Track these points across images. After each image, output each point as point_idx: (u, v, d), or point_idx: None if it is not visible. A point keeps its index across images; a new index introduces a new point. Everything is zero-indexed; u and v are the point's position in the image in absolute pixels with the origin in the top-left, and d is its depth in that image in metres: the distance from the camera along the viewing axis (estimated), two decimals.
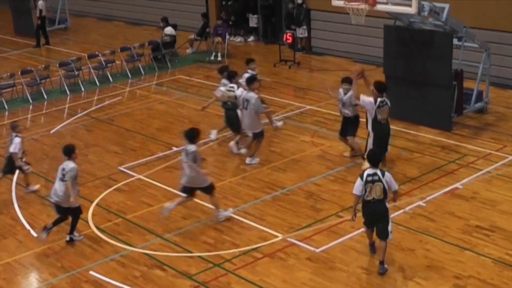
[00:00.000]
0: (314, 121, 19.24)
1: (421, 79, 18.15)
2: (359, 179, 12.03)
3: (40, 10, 30.63)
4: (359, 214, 12.28)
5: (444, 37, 17.80)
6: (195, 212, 14.80)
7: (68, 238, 13.95)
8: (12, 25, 34.36)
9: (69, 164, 13.79)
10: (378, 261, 12.22)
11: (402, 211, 13.78)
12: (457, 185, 15.22)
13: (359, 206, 12.21)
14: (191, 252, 13.23)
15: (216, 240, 13.60)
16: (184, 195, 14.35)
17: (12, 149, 15.84)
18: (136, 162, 17.52)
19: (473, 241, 13.00)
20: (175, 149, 17.92)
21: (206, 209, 14.87)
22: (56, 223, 13.93)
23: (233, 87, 17.58)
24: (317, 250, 13.00)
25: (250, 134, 17.23)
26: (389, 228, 12.12)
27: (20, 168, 16.22)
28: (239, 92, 17.33)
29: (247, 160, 16.92)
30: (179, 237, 13.82)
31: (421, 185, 15.29)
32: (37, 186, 16.45)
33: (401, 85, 17.49)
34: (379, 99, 15.25)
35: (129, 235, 14.06)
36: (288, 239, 13.46)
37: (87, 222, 14.63)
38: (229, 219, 14.35)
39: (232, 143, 17.55)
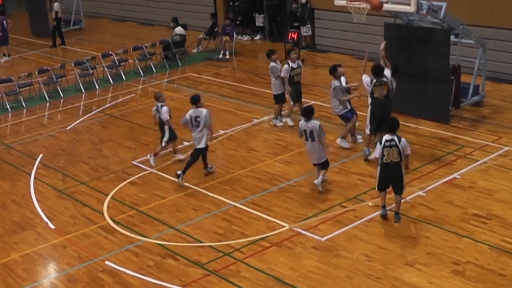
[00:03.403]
0: (318, 116, 19.07)
1: (420, 74, 18.12)
2: (378, 144, 13.21)
3: (56, 12, 30.65)
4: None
5: (442, 34, 17.76)
6: (205, 204, 14.82)
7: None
8: (29, 27, 34.40)
9: (202, 111, 15.50)
10: (395, 212, 13.41)
11: (403, 200, 13.75)
12: (455, 175, 15.20)
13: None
14: (202, 242, 13.25)
15: (225, 230, 13.62)
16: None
17: (164, 117, 16.56)
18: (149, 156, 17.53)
19: (471, 228, 13.00)
20: (186, 143, 17.93)
21: (216, 200, 14.91)
22: (187, 167, 15.74)
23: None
24: (323, 239, 13.01)
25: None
26: (403, 184, 13.35)
27: (172, 134, 16.81)
28: (285, 66, 18.55)
29: (337, 141, 17.01)
30: (190, 228, 13.84)
31: (421, 175, 15.28)
32: (183, 156, 16.79)
33: (401, 80, 17.41)
34: (374, 79, 15.73)
35: (143, 226, 14.09)
36: (295, 228, 13.48)
37: (103, 214, 14.68)
38: (238, 210, 14.39)
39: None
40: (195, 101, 15.72)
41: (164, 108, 16.64)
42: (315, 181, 14.84)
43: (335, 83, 16.84)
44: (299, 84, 18.77)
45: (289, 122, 18.90)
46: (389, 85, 15.84)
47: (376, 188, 13.70)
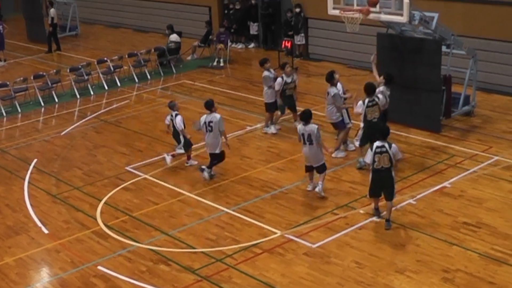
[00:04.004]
0: None
1: (412, 84, 18.16)
2: (369, 150, 13.36)
3: (52, 18, 30.63)
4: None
5: (434, 44, 17.83)
6: (198, 210, 14.82)
7: (200, 168, 16.13)
8: (25, 32, 34.35)
9: (216, 116, 15.73)
10: (385, 219, 13.49)
11: (393, 208, 13.78)
12: (446, 184, 15.24)
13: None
14: (194, 248, 13.24)
15: (218, 236, 13.62)
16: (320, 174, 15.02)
17: (179, 126, 16.60)
18: (143, 162, 17.52)
19: (461, 236, 13.03)
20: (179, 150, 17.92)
21: (208, 207, 14.90)
22: (211, 167, 16.12)
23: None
24: (314, 246, 13.02)
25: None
26: (394, 191, 13.49)
27: (179, 142, 16.89)
28: (278, 80, 18.57)
29: (333, 154, 16.81)
30: (183, 234, 13.83)
31: (412, 184, 15.31)
32: (196, 162, 16.91)
33: (393, 90, 17.48)
34: (367, 99, 15.72)
35: (136, 231, 14.07)
36: (286, 235, 13.48)
37: (96, 219, 14.66)
38: (230, 216, 14.39)
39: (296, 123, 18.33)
40: (209, 106, 15.91)
41: (179, 117, 16.67)
42: (316, 189, 14.84)
43: (334, 90, 16.83)
44: (292, 96, 18.82)
45: (272, 129, 18.96)
46: (380, 107, 15.79)
47: (368, 195, 13.79)
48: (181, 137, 16.74)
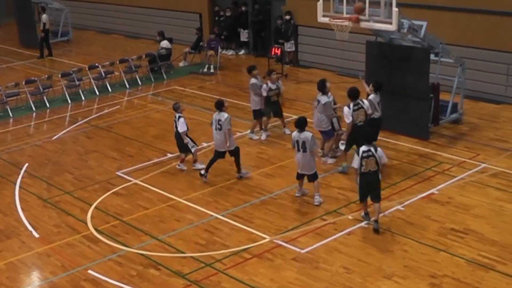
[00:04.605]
0: None
1: (400, 91, 18.22)
2: (355, 155, 13.48)
3: (44, 24, 30.56)
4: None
5: (422, 52, 17.89)
6: (188, 215, 14.81)
7: (239, 177, 16.39)
8: (17, 38, 34.26)
9: (224, 115, 15.96)
10: (374, 220, 13.60)
11: (381, 215, 13.82)
12: (433, 190, 15.29)
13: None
14: (184, 253, 13.23)
15: (207, 241, 13.61)
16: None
17: (180, 129, 16.52)
18: (133, 167, 17.51)
19: (448, 242, 13.07)
20: (170, 155, 17.92)
21: (198, 212, 14.89)
22: (209, 166, 16.32)
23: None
24: (303, 251, 13.03)
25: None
26: (381, 192, 13.69)
27: (187, 146, 16.81)
28: (264, 86, 18.72)
29: (322, 160, 16.81)
30: (173, 238, 13.82)
31: (400, 190, 15.35)
32: (202, 166, 16.80)
33: (382, 97, 17.56)
34: (351, 104, 15.84)
35: (126, 236, 14.04)
36: (275, 240, 13.48)
37: (86, 224, 14.62)
38: (220, 221, 14.38)
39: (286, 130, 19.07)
40: (219, 105, 16.10)
41: (181, 120, 16.63)
42: (315, 203, 14.83)
43: (325, 98, 16.81)
44: (277, 103, 18.98)
45: (263, 136, 19.02)
46: (366, 110, 15.93)
47: (360, 201, 13.91)
48: (186, 139, 16.73)
